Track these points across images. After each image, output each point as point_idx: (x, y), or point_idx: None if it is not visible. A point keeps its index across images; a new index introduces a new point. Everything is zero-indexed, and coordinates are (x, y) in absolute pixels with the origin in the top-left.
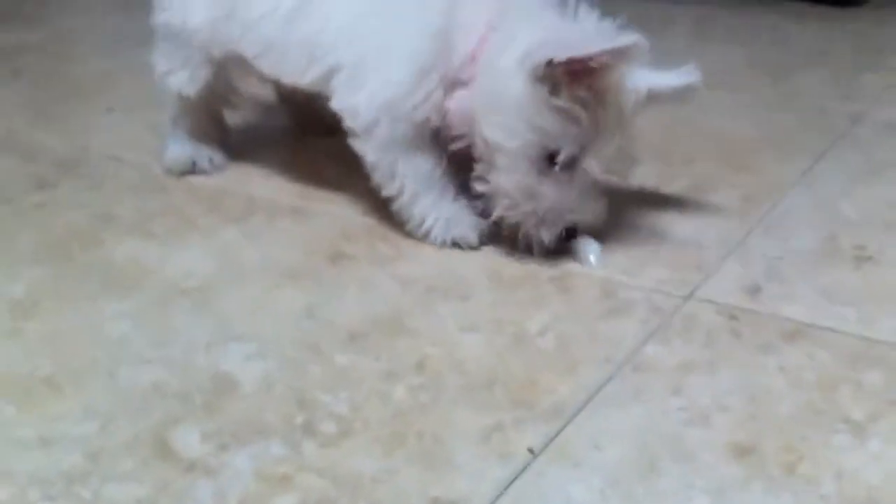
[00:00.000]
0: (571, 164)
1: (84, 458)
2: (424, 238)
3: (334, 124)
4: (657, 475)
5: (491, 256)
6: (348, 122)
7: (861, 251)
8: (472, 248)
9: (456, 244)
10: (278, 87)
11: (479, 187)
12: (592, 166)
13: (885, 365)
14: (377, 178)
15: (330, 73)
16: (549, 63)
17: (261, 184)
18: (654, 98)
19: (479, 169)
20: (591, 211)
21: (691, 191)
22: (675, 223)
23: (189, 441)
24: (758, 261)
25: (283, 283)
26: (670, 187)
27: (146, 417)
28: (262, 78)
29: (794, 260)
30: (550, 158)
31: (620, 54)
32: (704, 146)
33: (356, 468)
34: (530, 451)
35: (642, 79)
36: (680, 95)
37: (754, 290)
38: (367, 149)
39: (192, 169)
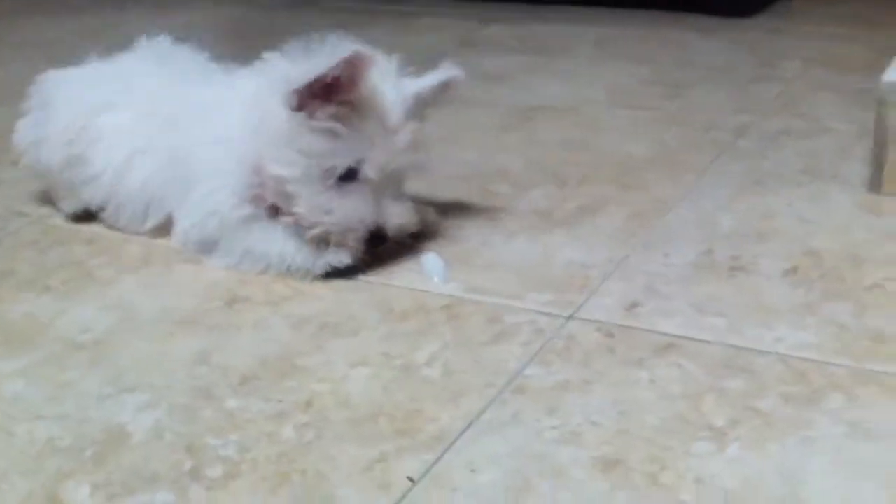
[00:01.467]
0: (352, 176)
1: None
2: (298, 274)
3: None
4: (528, 494)
5: (383, 290)
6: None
7: (735, 262)
8: (348, 266)
9: (334, 268)
10: None
11: (285, 222)
12: (371, 174)
13: (748, 372)
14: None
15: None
16: (296, 94)
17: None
18: (421, 100)
19: (283, 208)
20: (392, 213)
21: (581, 212)
22: (563, 245)
23: (79, 494)
24: (638, 278)
25: (178, 331)
26: (561, 209)
27: (39, 473)
28: None
29: (672, 275)
30: (334, 175)
31: (350, 65)
32: (598, 166)
33: None
34: (410, 479)
35: (406, 86)
36: (444, 92)
37: (632, 307)
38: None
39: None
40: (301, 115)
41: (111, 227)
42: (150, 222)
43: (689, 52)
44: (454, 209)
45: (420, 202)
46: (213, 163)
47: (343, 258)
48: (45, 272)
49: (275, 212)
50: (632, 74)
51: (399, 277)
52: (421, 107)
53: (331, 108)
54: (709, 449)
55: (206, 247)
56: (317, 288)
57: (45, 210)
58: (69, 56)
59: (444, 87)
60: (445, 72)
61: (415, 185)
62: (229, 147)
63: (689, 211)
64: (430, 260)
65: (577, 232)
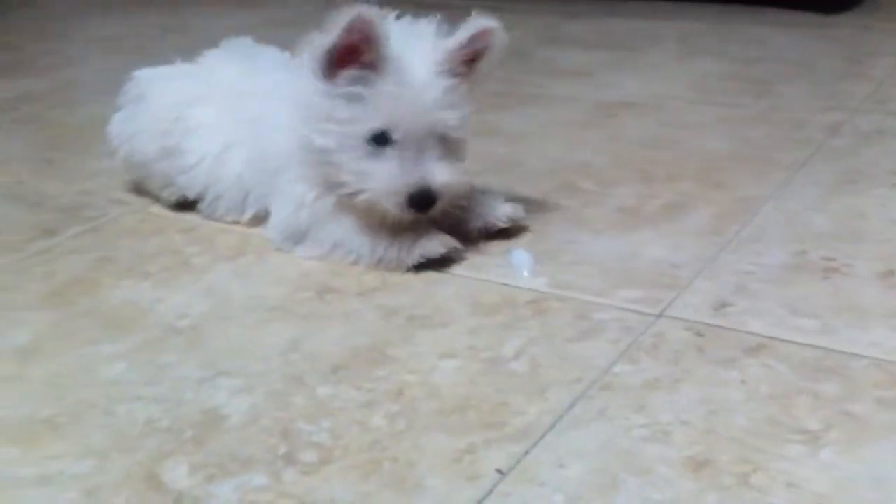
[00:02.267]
0: (386, 139)
1: (80, 495)
2: (390, 266)
3: None
4: (616, 490)
5: (471, 284)
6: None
7: (829, 263)
8: (441, 256)
9: (425, 259)
10: None
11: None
12: (401, 135)
13: (841, 375)
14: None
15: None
16: (319, 67)
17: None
18: (455, 56)
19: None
20: (434, 174)
21: (668, 209)
22: (650, 243)
23: (178, 474)
24: (728, 277)
25: (271, 318)
26: (648, 207)
27: (139, 453)
28: None
29: (763, 275)
30: (375, 140)
31: (356, 29)
32: (684, 164)
33: (333, 494)
34: (499, 471)
35: (438, 45)
36: (478, 44)
37: (722, 307)
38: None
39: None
40: (327, 84)
41: (208, 217)
42: (248, 213)
43: (773, 49)
44: (540, 204)
45: (508, 198)
46: (287, 153)
47: (435, 248)
48: (144, 259)
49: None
50: (715, 71)
51: (487, 271)
52: (456, 63)
53: (351, 72)
54: (801, 452)
55: (296, 238)
56: (406, 280)
57: (143, 199)
58: (144, 53)
59: (477, 40)
60: (475, 23)
61: (501, 181)
62: (292, 135)
63: (778, 210)
64: (518, 255)
65: (664, 229)
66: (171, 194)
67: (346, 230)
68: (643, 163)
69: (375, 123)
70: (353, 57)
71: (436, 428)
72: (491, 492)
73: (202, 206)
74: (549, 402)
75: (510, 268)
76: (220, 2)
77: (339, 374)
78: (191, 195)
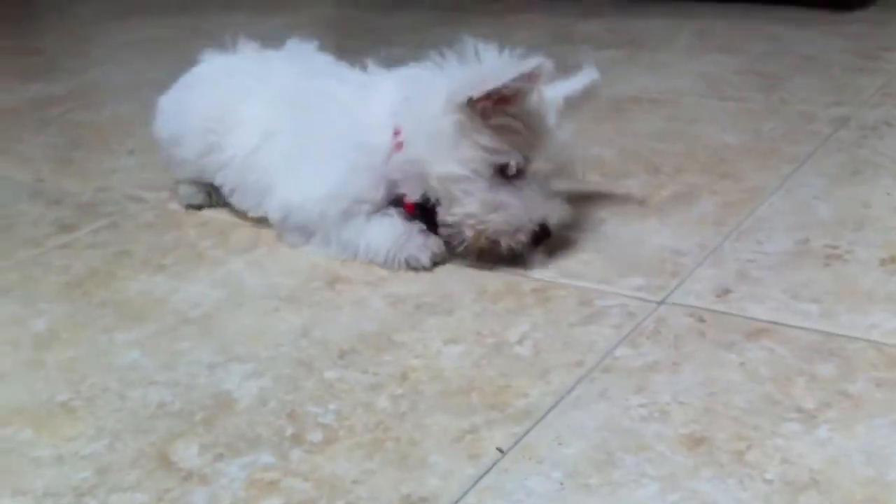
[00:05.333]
0: (521, 173)
1: (93, 473)
2: (377, 261)
3: None
4: (612, 466)
5: (478, 273)
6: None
7: (831, 250)
8: (424, 268)
9: (407, 264)
10: None
11: (446, 224)
12: (539, 171)
13: (840, 357)
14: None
15: (277, 207)
16: (470, 100)
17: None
18: (571, 102)
19: (441, 212)
20: (554, 209)
21: (675, 200)
22: (656, 232)
23: (188, 453)
24: (730, 265)
25: (282, 307)
26: (655, 197)
27: (150, 434)
28: None
29: (765, 262)
30: (501, 172)
31: (530, 78)
32: (693, 156)
33: (338, 472)
34: (499, 450)
35: (558, 88)
36: (588, 94)
37: (724, 293)
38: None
39: (203, 202)
40: (475, 117)
41: (236, 210)
42: (264, 207)
43: (786, 45)
44: None
45: None
46: (344, 156)
47: (423, 260)
48: (160, 253)
49: (409, 209)
50: (727, 66)
51: (491, 261)
52: (570, 108)
53: (508, 109)
54: (796, 430)
55: (306, 233)
56: (414, 271)
57: (161, 195)
58: (167, 57)
59: (589, 90)
60: (588, 75)
61: None
62: (364, 142)
63: (784, 200)
64: None
65: (669, 219)
66: (191, 199)
67: (374, 230)
68: (651, 155)
69: (518, 158)
70: (506, 101)
71: (439, 409)
72: (491, 468)
73: (233, 199)
74: (551, 385)
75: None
76: (247, 6)
77: (347, 359)
78: (226, 190)
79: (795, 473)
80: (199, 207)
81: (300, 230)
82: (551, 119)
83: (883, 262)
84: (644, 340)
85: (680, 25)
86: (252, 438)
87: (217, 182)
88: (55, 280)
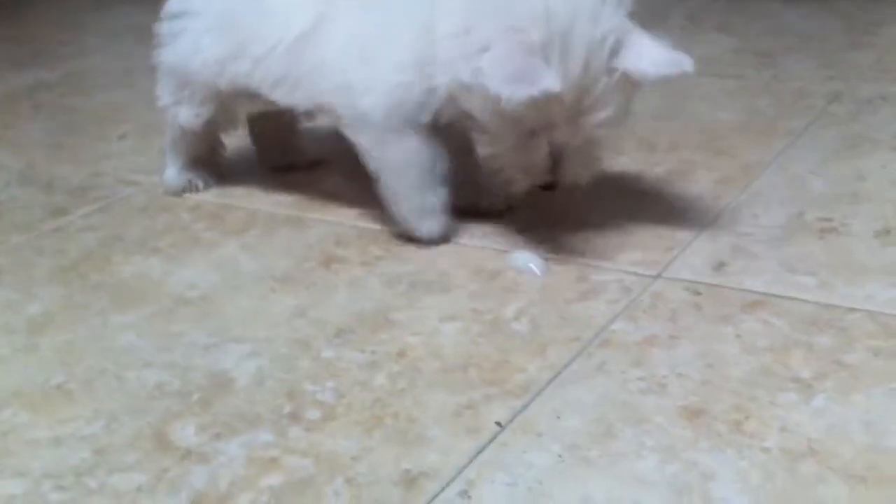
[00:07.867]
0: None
1: (91, 454)
2: (393, 210)
3: (298, 161)
4: (611, 438)
5: (473, 252)
6: (355, 128)
7: (826, 223)
8: (434, 243)
9: (419, 239)
10: (251, 122)
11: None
12: (575, 133)
13: (836, 328)
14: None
15: (339, 92)
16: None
17: (261, 198)
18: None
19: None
20: (573, 171)
21: (671, 176)
22: (651, 208)
23: (186, 433)
24: (726, 239)
25: (279, 288)
26: (651, 173)
27: (148, 415)
28: (270, 105)
29: (761, 236)
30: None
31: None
32: (688, 133)
33: (337, 448)
34: (498, 424)
35: (632, 58)
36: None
37: (720, 266)
38: (363, 139)
39: (188, 189)
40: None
41: (227, 195)
42: (324, 95)
43: (781, 22)
44: None
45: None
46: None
47: (434, 233)
48: (154, 236)
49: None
50: (722, 45)
51: (488, 239)
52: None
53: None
54: (794, 399)
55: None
56: (410, 249)
57: (154, 179)
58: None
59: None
60: (680, 64)
61: None
62: (424, 51)
63: (779, 175)
64: (527, 259)
65: (665, 195)
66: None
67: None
68: (646, 133)
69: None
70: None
71: (437, 386)
72: (490, 442)
73: (276, 94)
74: (549, 360)
75: (516, 270)
76: None
77: (344, 338)
78: (262, 90)
79: (794, 442)
80: (183, 193)
81: (364, 122)
82: (598, 90)
83: (877, 234)
84: (641, 315)
85: (673, 5)
86: (250, 417)
87: (253, 84)
88: (49, 264)
